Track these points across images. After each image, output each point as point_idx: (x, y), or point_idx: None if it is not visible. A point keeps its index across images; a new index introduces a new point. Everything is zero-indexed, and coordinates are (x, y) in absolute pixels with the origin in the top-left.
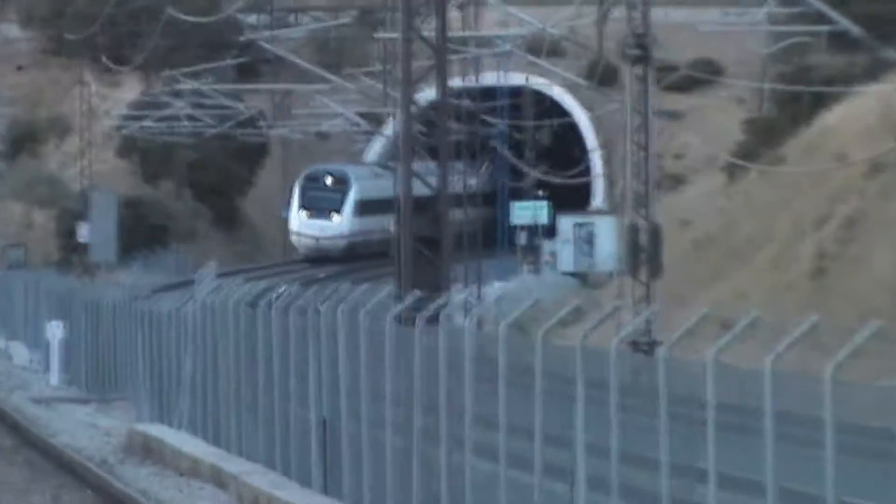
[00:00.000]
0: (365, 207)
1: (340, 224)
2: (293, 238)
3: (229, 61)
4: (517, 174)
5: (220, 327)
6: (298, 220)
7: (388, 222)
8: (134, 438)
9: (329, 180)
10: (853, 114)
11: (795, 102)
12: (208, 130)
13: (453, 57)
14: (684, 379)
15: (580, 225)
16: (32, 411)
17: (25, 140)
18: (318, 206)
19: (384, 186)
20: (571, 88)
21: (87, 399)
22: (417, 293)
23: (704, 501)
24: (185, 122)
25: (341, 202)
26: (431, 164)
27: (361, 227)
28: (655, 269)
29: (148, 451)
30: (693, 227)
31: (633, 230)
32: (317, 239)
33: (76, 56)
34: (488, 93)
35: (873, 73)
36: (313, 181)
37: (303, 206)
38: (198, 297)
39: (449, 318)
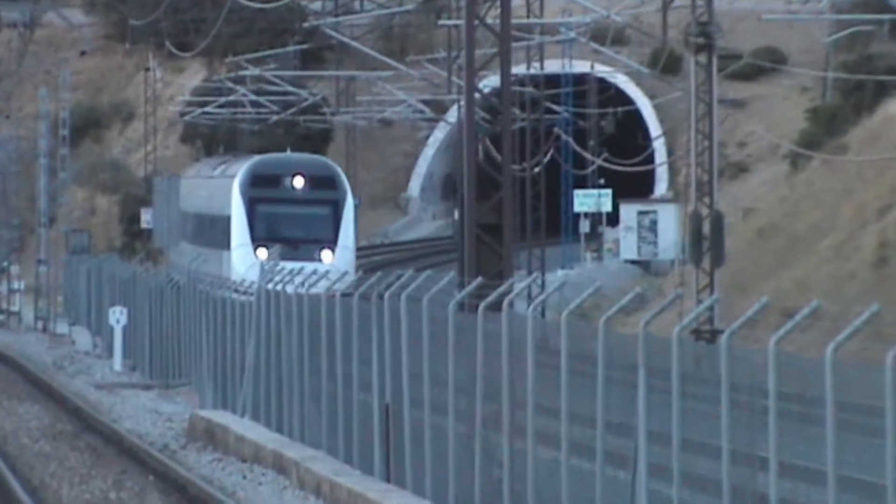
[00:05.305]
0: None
1: (340, 264)
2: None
3: (293, 47)
4: (580, 162)
5: (284, 314)
6: (245, 263)
7: None
8: (196, 424)
9: (301, 183)
10: None
11: (858, 91)
12: (272, 117)
13: (517, 44)
14: (746, 367)
15: (643, 213)
16: (95, 396)
17: (89, 126)
18: (290, 234)
19: None
20: (635, 76)
21: (150, 385)
22: (480, 280)
23: (765, 490)
24: (249, 109)
25: (334, 224)
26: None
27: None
28: (718, 257)
29: (210, 437)
30: (756, 216)
31: (696, 219)
32: None
33: (140, 42)
34: (552, 80)
35: None
36: (269, 185)
37: (257, 235)
38: (262, 283)
39: (511, 306)
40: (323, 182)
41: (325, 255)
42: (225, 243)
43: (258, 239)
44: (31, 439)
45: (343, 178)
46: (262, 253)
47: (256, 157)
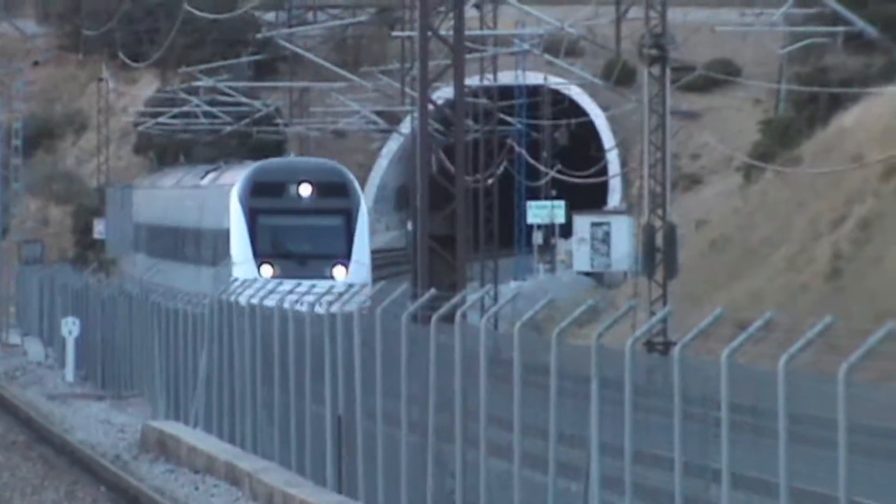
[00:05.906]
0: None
1: (355, 281)
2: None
3: (246, 58)
4: (534, 173)
5: (237, 324)
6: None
7: None
8: (149, 435)
9: (308, 191)
10: (869, 115)
11: (812, 103)
12: (225, 128)
13: (471, 56)
14: (698, 379)
15: (596, 225)
16: (47, 407)
17: (42, 136)
18: (297, 249)
19: None
20: (589, 88)
21: (102, 395)
22: (433, 291)
23: (717, 501)
24: (202, 120)
25: (347, 236)
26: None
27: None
28: (671, 269)
29: (163, 448)
30: (709, 228)
31: (650, 230)
32: None
33: (93, 52)
34: (506, 92)
35: (889, 74)
36: (272, 194)
37: (260, 251)
38: (214, 294)
39: (464, 317)
40: (332, 189)
41: (338, 271)
42: (221, 260)
43: (262, 254)
44: None
45: (355, 185)
46: (267, 270)
47: (257, 164)
